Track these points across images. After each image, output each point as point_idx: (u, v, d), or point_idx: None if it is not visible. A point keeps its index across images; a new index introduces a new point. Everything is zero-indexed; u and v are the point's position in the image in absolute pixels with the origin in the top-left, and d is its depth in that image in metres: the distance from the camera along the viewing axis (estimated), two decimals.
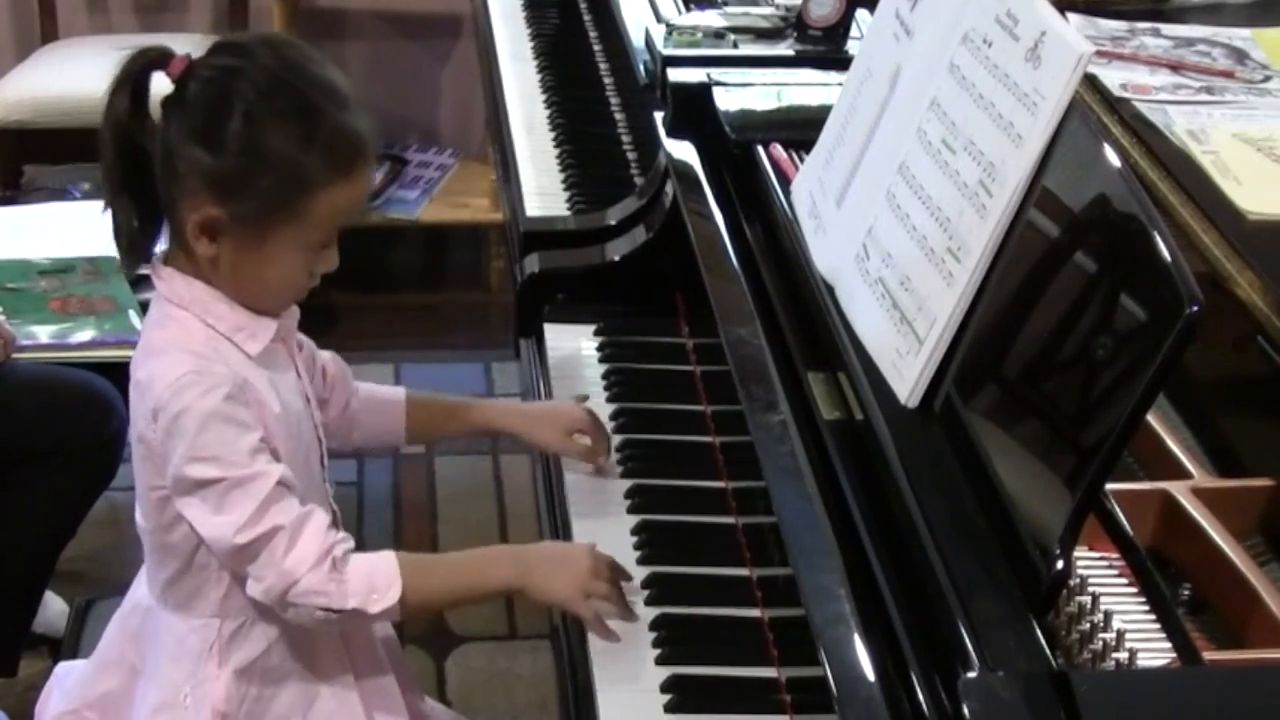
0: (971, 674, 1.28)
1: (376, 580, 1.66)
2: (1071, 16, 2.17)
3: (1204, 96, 2.02)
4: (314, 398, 1.79)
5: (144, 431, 1.66)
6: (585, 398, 2.05)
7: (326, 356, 1.86)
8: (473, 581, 1.75)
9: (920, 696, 1.33)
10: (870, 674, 1.39)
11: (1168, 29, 2.23)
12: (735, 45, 2.28)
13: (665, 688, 1.66)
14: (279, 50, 1.65)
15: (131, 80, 1.65)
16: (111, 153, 1.66)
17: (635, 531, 1.88)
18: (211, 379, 1.62)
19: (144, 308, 2.79)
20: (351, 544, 1.68)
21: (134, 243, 1.69)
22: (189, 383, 1.62)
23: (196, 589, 1.72)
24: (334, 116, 1.63)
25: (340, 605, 1.64)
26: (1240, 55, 2.16)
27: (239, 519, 1.62)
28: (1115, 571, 1.46)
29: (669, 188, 2.22)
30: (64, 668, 1.94)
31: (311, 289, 1.73)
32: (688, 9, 2.41)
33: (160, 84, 1.66)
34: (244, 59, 1.63)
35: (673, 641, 1.71)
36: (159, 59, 1.65)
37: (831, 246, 1.79)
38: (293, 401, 1.72)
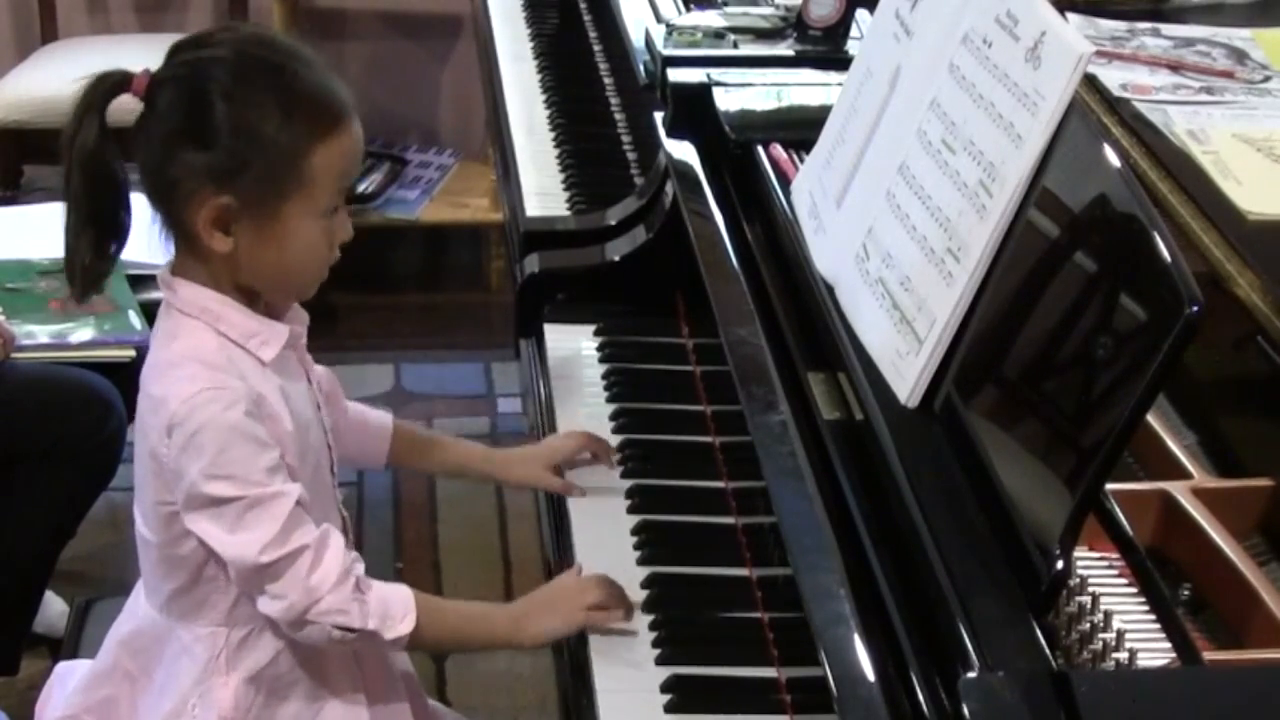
0: (971, 674, 1.28)
1: (392, 608, 1.67)
2: (1071, 16, 2.17)
3: (1204, 96, 2.02)
4: (324, 405, 1.79)
5: (156, 447, 1.64)
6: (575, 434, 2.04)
7: (321, 372, 1.85)
8: (475, 630, 1.79)
9: (920, 696, 1.34)
10: (870, 674, 1.39)
11: (1168, 29, 2.23)
12: (735, 45, 2.28)
13: (665, 688, 1.66)
14: (237, 30, 1.66)
15: (98, 107, 1.63)
16: (80, 183, 1.64)
17: (635, 531, 1.88)
18: (230, 394, 1.61)
19: (144, 308, 2.82)
20: (363, 565, 1.69)
21: (89, 274, 1.68)
22: (207, 399, 1.60)
23: (204, 599, 1.71)
24: (307, 77, 1.62)
25: (360, 625, 1.65)
26: (1240, 55, 2.16)
27: (263, 538, 1.61)
28: (1115, 571, 1.46)
29: (669, 188, 2.21)
30: (64, 667, 1.94)
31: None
32: (688, 9, 2.41)
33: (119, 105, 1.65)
34: (205, 48, 1.63)
35: (673, 641, 1.71)
36: (120, 82, 1.64)
37: (831, 247, 1.79)
38: (303, 410, 1.72)
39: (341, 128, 1.64)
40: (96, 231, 1.67)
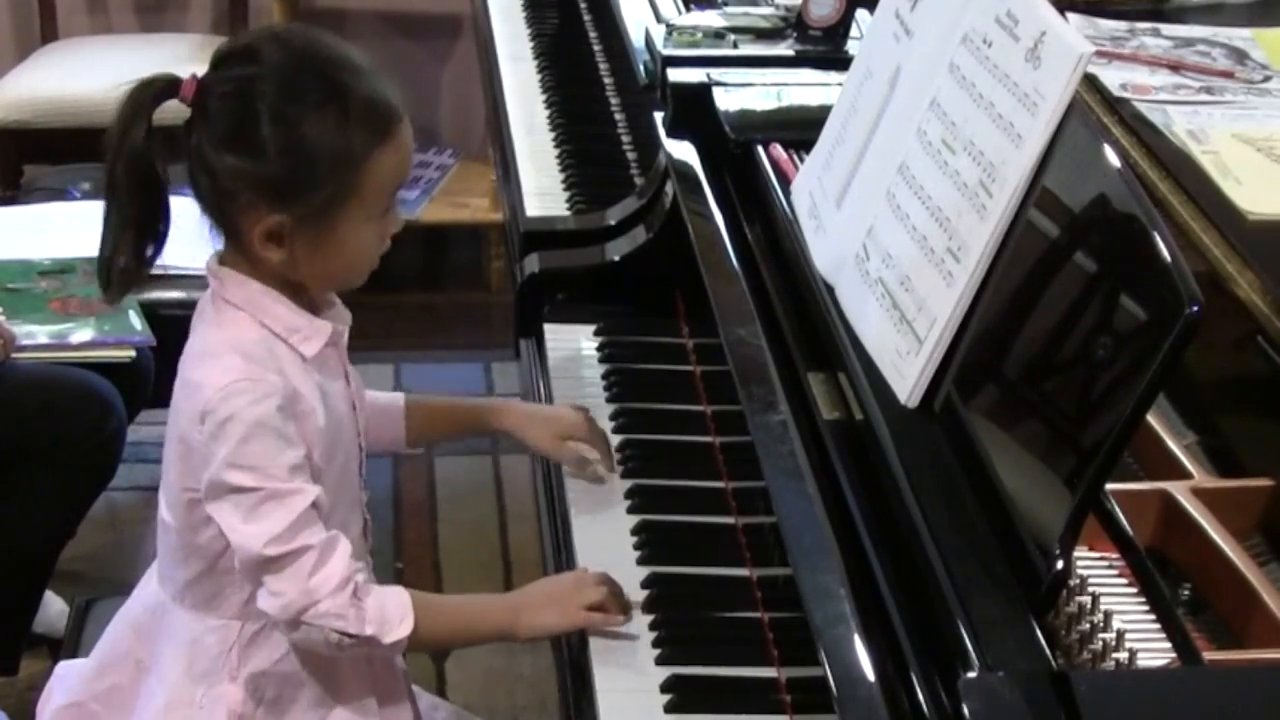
0: (971, 674, 1.28)
1: (390, 613, 1.67)
2: (1071, 16, 2.17)
3: (1204, 96, 2.02)
4: (360, 405, 1.79)
5: (187, 432, 1.65)
6: (584, 409, 2.04)
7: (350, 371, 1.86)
8: (472, 626, 1.79)
9: (920, 696, 1.34)
10: (870, 674, 1.39)
11: (1168, 29, 2.23)
12: (735, 45, 2.28)
13: (665, 688, 1.66)
14: (286, 42, 1.64)
15: (145, 111, 1.63)
16: (128, 188, 1.65)
17: (635, 531, 1.88)
18: (264, 387, 1.62)
19: (144, 308, 2.82)
20: (366, 574, 1.69)
21: (126, 276, 1.69)
22: (241, 389, 1.61)
23: (218, 590, 1.72)
24: (359, 88, 1.62)
25: (357, 630, 1.64)
26: (1240, 55, 2.16)
27: (271, 530, 1.61)
28: (1115, 571, 1.46)
29: (669, 188, 2.22)
30: (64, 667, 1.94)
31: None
32: (688, 9, 2.41)
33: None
34: (256, 63, 1.62)
35: (673, 641, 1.71)
36: (166, 87, 1.64)
37: (831, 246, 1.79)
38: (339, 408, 1.72)
39: (394, 134, 1.64)
40: (137, 234, 1.67)
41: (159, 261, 1.72)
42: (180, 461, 1.68)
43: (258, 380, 1.62)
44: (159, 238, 1.69)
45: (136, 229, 1.67)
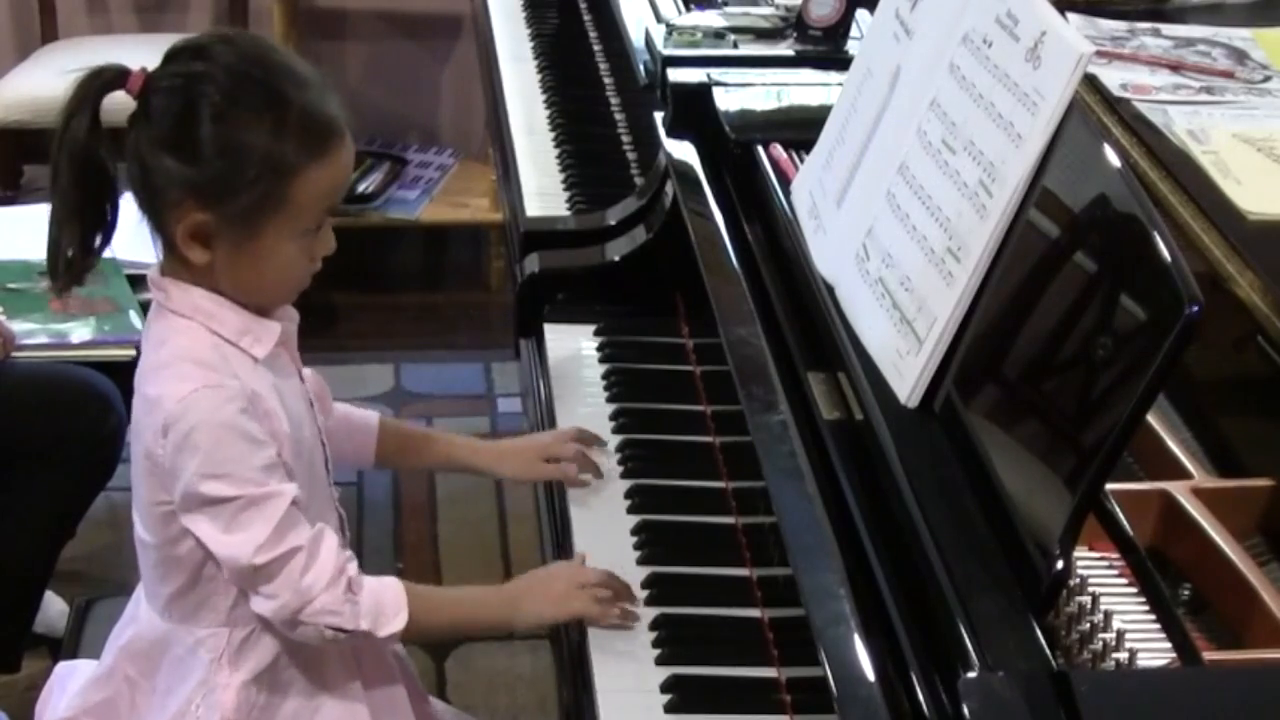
0: (971, 674, 1.28)
1: (384, 605, 1.67)
2: (1071, 16, 2.17)
3: (1204, 96, 2.02)
4: (316, 402, 1.79)
5: (151, 447, 1.64)
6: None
7: (309, 375, 1.84)
8: (468, 616, 1.79)
9: (920, 696, 1.34)
10: (870, 674, 1.39)
11: (1168, 29, 2.23)
12: (735, 45, 2.28)
13: (665, 688, 1.66)
14: (236, 45, 1.64)
15: (90, 102, 1.63)
16: (69, 177, 1.64)
17: (635, 531, 1.88)
18: (225, 392, 1.61)
19: (144, 307, 2.82)
20: (357, 563, 1.69)
21: (73, 268, 1.68)
22: (202, 397, 1.61)
23: (204, 600, 1.71)
24: (301, 100, 1.61)
25: (352, 626, 1.65)
26: (1240, 55, 2.16)
27: (257, 539, 1.61)
28: (1115, 571, 1.46)
29: (669, 188, 2.21)
30: (64, 668, 1.94)
31: (308, 288, 1.72)
32: (688, 9, 2.41)
33: (114, 101, 1.65)
34: (202, 61, 1.61)
35: (673, 641, 1.71)
36: (115, 78, 1.64)
37: (831, 246, 1.79)
38: (296, 407, 1.72)
39: (330, 152, 1.63)
40: (82, 226, 1.67)
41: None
42: (149, 477, 1.67)
43: (216, 386, 1.61)
44: (106, 229, 1.69)
45: (81, 220, 1.66)
